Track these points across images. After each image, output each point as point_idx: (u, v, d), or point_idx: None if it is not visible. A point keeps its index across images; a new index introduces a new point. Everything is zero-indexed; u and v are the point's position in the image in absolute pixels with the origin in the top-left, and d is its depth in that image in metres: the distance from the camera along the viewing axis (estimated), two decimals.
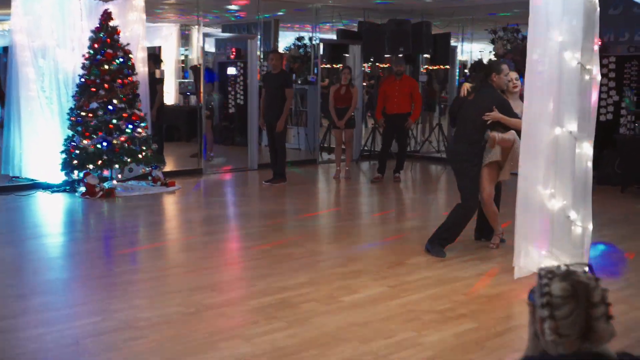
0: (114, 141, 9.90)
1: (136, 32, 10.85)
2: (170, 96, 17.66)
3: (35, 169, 10.49)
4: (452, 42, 15.71)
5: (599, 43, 5.75)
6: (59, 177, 10.10)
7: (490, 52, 15.46)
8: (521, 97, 7.31)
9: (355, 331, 4.95)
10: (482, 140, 6.85)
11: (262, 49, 14.37)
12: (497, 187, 7.28)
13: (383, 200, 10.76)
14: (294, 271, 6.44)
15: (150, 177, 10.67)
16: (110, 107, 9.90)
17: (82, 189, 9.83)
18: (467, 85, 7.16)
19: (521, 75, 6.58)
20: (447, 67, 15.99)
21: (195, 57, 19.44)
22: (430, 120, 17.26)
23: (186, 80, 18.07)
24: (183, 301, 5.52)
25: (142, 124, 10.21)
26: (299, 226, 8.59)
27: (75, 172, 9.93)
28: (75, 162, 9.80)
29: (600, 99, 10.18)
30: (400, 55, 13.36)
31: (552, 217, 5.69)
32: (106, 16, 10.01)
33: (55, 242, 7.64)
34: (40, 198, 9.85)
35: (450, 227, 7.00)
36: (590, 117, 5.60)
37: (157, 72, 12.49)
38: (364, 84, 15.90)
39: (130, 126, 10.06)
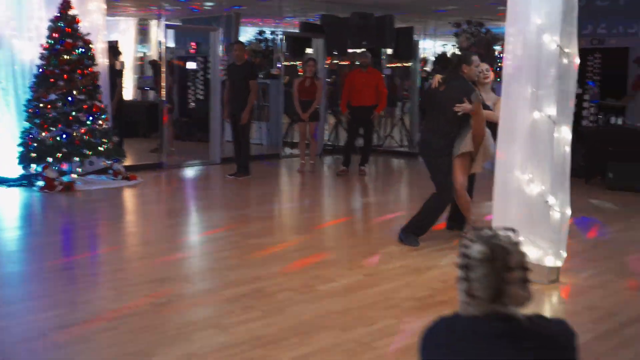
0: (74, 133, 9.59)
1: (96, 22, 10.53)
2: (127, 91, 17.28)
3: None
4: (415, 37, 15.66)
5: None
6: (16, 170, 9.73)
7: (453, 45, 15.45)
8: (493, 90, 7.29)
9: (334, 319, 4.80)
10: (453, 132, 6.78)
11: (223, 44, 14.12)
12: (471, 178, 7.21)
13: (350, 193, 10.63)
14: (265, 261, 6.27)
15: (110, 171, 10.36)
16: (69, 98, 9.57)
17: (41, 183, 9.49)
18: (438, 77, 7.08)
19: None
20: (409, 64, 15.95)
21: (154, 52, 19.14)
22: (392, 115, 17.18)
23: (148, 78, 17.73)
24: (153, 292, 5.30)
25: (103, 116, 9.91)
26: (266, 218, 8.41)
27: (33, 165, 9.58)
28: (33, 155, 9.46)
29: None
30: (364, 50, 13.23)
31: (530, 203, 5.60)
32: (65, 5, 9.67)
33: (14, 235, 7.32)
34: None
35: (425, 217, 6.91)
36: (569, 101, 5.53)
37: (118, 63, 12.17)
38: (327, 79, 15.75)
39: (91, 118, 9.75)
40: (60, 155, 9.49)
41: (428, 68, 18.28)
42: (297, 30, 15.87)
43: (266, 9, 15.46)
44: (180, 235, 7.47)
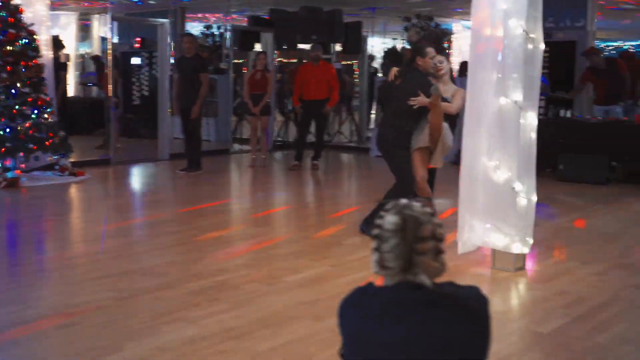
0: (18, 127, 9.21)
1: (39, 13, 10.17)
2: (69, 88, 16.79)
3: None
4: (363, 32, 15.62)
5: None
6: None
7: (403, 40, 15.46)
8: (454, 80, 7.22)
9: (305, 309, 4.67)
10: (410, 126, 6.71)
11: (171, 37, 13.83)
12: (432, 171, 7.14)
13: (305, 186, 10.51)
14: (228, 254, 6.11)
15: (57, 167, 10.00)
16: (13, 91, 9.20)
17: None
18: (394, 70, 7.00)
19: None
20: (353, 62, 15.94)
21: (96, 47, 18.67)
22: (340, 111, 17.10)
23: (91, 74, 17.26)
24: (113, 286, 5.08)
25: (48, 110, 9.56)
26: (223, 212, 8.21)
27: None
28: None
29: None
30: (317, 43, 13.10)
31: (497, 189, 5.56)
32: None
33: None
34: None
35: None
36: (535, 87, 5.51)
37: (62, 56, 11.79)
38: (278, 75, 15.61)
39: (36, 112, 9.39)
40: (4, 150, 9.12)
41: (376, 64, 18.24)
42: (245, 25, 15.65)
43: (213, 3, 15.21)
44: (135, 230, 7.23)
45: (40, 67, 9.51)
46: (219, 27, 16.35)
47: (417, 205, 2.13)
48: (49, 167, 10.02)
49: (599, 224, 7.58)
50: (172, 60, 13.26)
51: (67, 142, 10.15)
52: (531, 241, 5.66)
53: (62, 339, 4.08)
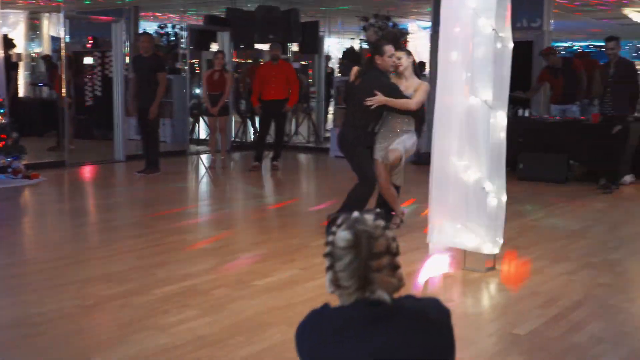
0: None
1: None
2: (19, 88, 16.37)
3: None
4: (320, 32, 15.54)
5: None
6: None
7: (360, 39, 15.42)
8: (420, 75, 7.19)
9: (278, 315, 4.56)
10: (371, 126, 6.68)
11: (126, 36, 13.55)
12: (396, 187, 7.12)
13: (267, 187, 10.39)
14: (193, 258, 5.95)
15: (9, 170, 9.68)
16: None
17: None
18: (355, 70, 6.96)
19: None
20: (306, 62, 15.86)
21: (46, 47, 18.26)
22: (298, 111, 17.01)
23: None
24: (78, 294, 4.90)
25: (1, 110, 9.26)
26: (185, 215, 8.03)
27: None
28: None
29: None
30: (275, 42, 12.98)
31: (467, 189, 5.52)
32: None
33: None
34: None
35: (350, 208, 6.74)
36: (504, 86, 5.49)
37: (14, 55, 11.45)
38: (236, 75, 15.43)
39: None
40: None
41: (332, 64, 18.22)
42: (201, 24, 15.43)
43: (168, 2, 14.97)
44: (95, 235, 7.02)
45: None
46: (173, 27, 16.11)
47: (368, 218, 2.03)
48: (2, 170, 9.69)
49: (563, 223, 7.62)
50: (127, 60, 12.97)
51: (19, 144, 9.86)
52: (501, 241, 5.64)
53: (27, 350, 3.91)
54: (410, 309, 2.03)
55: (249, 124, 14.95)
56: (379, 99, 6.48)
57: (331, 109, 17.38)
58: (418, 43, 17.44)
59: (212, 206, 8.77)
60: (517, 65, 11.78)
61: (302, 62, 16.97)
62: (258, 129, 12.74)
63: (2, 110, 9.30)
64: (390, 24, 13.53)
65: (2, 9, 15.40)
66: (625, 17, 16.68)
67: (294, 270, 5.61)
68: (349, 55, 14.54)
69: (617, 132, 9.50)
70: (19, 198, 8.89)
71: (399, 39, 13.11)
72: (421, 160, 9.82)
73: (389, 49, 6.73)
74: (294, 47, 15.57)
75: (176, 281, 5.23)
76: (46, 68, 15.62)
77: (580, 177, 10.34)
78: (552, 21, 12.53)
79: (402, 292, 2.08)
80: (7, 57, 10.75)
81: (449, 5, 5.51)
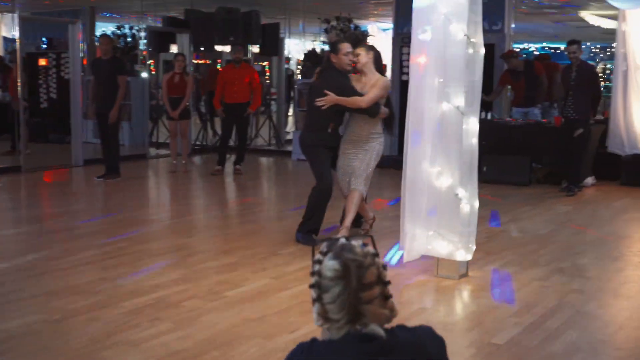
0: None
1: None
2: None
3: None
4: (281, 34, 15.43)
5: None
6: None
7: (322, 41, 15.36)
8: (381, 71, 7.06)
9: (253, 327, 4.45)
10: (329, 126, 6.61)
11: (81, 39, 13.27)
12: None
13: (230, 192, 10.25)
14: (161, 267, 5.81)
15: None
16: None
17: None
18: (318, 70, 6.90)
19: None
20: (264, 63, 15.75)
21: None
22: (258, 113, 16.87)
23: None
24: (43, 308, 4.73)
25: None
26: (149, 221, 7.86)
27: None
28: None
29: None
30: (237, 45, 12.82)
31: (440, 196, 5.47)
32: None
33: None
34: None
35: (313, 212, 6.69)
36: (477, 92, 5.46)
37: None
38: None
39: None
40: None
41: (291, 66, 18.12)
42: (160, 25, 15.21)
43: (125, 2, 14.71)
44: (57, 244, 6.78)
45: None
46: (131, 28, 15.85)
47: (356, 245, 1.92)
48: None
49: (530, 227, 7.63)
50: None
51: None
52: (474, 247, 5.61)
53: None
54: (407, 344, 1.93)
55: (209, 127, 14.77)
56: (329, 98, 6.43)
57: (291, 111, 17.29)
58: (378, 45, 17.43)
59: (176, 212, 8.59)
60: None
61: (261, 63, 16.85)
62: (219, 132, 12.56)
63: None
64: (352, 25, 13.51)
65: None
66: (582, 19, 16.91)
67: (266, 279, 5.50)
68: (311, 58, 14.46)
69: (579, 135, 9.58)
70: None
71: (361, 40, 13.07)
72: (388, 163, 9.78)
73: (344, 46, 6.66)
74: (255, 48, 15.43)
75: (145, 293, 5.09)
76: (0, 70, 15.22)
77: (543, 180, 10.41)
78: (512, 25, 12.60)
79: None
80: None
81: (421, 10, 5.46)
